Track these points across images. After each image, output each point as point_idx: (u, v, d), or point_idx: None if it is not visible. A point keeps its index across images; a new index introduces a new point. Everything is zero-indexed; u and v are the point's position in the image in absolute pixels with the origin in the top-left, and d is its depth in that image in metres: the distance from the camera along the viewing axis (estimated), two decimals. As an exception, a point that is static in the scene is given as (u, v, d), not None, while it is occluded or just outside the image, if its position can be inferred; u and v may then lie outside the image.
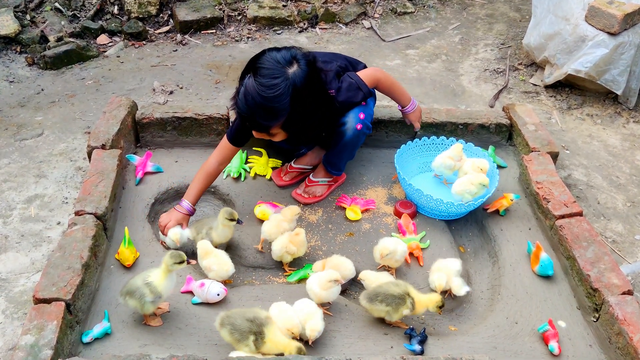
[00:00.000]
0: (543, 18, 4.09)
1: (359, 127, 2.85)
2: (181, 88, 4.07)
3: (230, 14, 4.84)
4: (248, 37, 4.69)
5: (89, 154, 3.05)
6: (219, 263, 2.53)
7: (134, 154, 3.31)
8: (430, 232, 2.94)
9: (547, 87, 4.15)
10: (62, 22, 4.55)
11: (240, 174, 3.20)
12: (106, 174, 2.90)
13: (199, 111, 3.34)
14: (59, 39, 4.40)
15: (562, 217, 2.78)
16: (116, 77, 4.19)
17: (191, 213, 2.82)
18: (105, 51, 4.48)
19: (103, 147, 3.06)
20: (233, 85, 4.12)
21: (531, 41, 4.17)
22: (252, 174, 3.21)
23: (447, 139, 3.23)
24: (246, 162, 3.28)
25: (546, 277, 2.68)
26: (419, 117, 3.18)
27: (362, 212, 3.01)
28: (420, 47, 4.72)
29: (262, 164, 3.27)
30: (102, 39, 4.57)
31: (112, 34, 4.64)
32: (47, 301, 2.27)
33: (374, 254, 2.66)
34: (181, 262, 2.29)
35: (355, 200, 3.07)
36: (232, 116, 3.33)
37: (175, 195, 3.15)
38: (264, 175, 3.22)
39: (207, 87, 4.10)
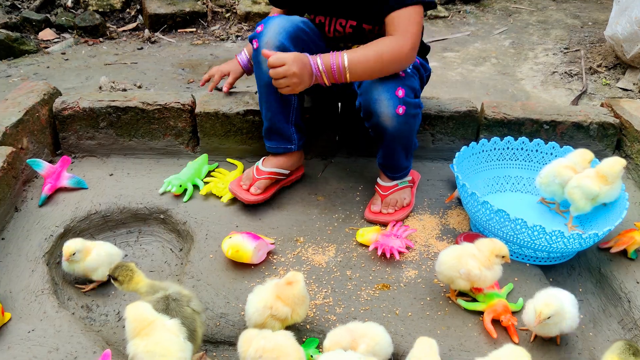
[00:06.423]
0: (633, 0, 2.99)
1: (400, 111, 1.74)
2: (139, 87, 2.95)
3: (215, 9, 3.79)
4: (237, 36, 3.61)
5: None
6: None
7: (49, 162, 2.16)
8: (520, 284, 1.72)
9: (645, 91, 3.01)
10: (-3, 12, 3.51)
11: (186, 190, 2.03)
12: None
13: (148, 99, 2.20)
14: (-14, 30, 3.35)
15: None
16: (54, 75, 3.08)
17: (247, 68, 2.19)
18: (47, 47, 3.40)
19: (-17, 142, 1.91)
20: (211, 85, 3.00)
21: (618, 31, 3.05)
22: (203, 192, 2.04)
23: (530, 141, 2.07)
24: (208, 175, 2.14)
25: None
26: None
27: (401, 252, 1.81)
28: (460, 50, 3.64)
29: (225, 181, 2.09)
30: (46, 33, 3.49)
31: (61, 29, 3.58)
32: None
33: (525, 318, 1.48)
34: None
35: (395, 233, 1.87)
36: (200, 105, 2.19)
37: (102, 224, 1.99)
38: (220, 197, 2.04)
39: (174, 87, 2.99)
